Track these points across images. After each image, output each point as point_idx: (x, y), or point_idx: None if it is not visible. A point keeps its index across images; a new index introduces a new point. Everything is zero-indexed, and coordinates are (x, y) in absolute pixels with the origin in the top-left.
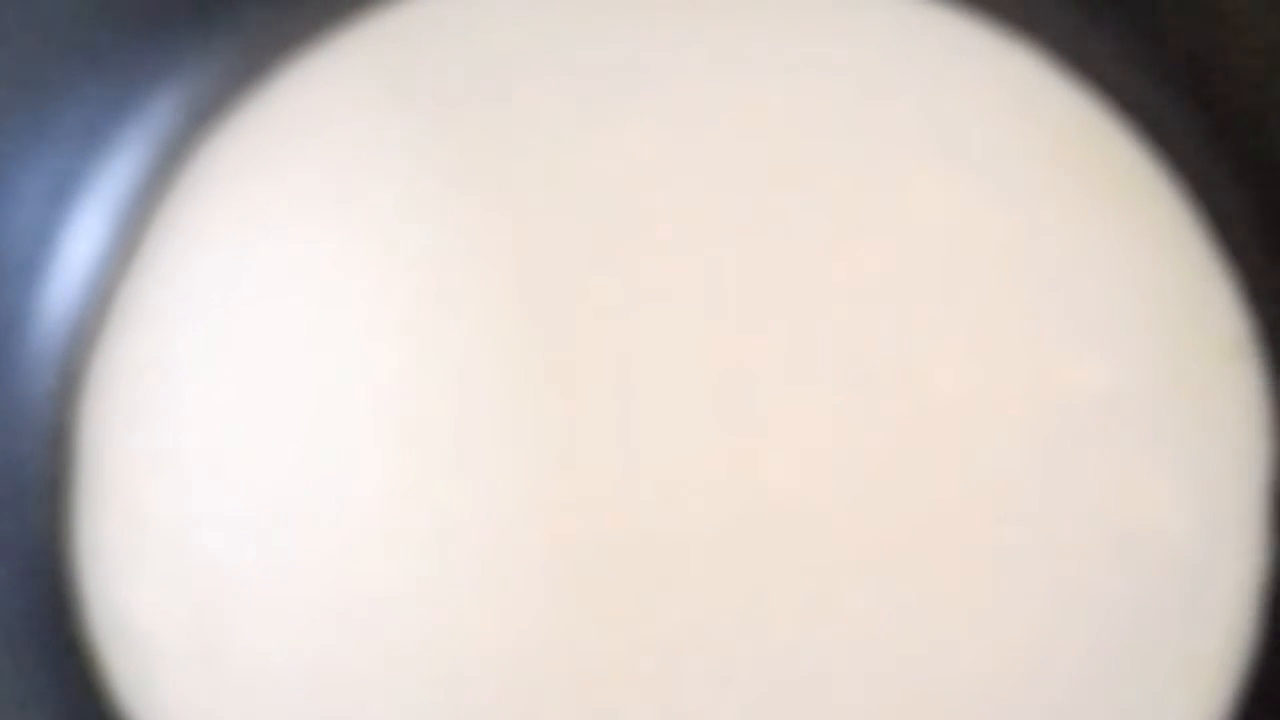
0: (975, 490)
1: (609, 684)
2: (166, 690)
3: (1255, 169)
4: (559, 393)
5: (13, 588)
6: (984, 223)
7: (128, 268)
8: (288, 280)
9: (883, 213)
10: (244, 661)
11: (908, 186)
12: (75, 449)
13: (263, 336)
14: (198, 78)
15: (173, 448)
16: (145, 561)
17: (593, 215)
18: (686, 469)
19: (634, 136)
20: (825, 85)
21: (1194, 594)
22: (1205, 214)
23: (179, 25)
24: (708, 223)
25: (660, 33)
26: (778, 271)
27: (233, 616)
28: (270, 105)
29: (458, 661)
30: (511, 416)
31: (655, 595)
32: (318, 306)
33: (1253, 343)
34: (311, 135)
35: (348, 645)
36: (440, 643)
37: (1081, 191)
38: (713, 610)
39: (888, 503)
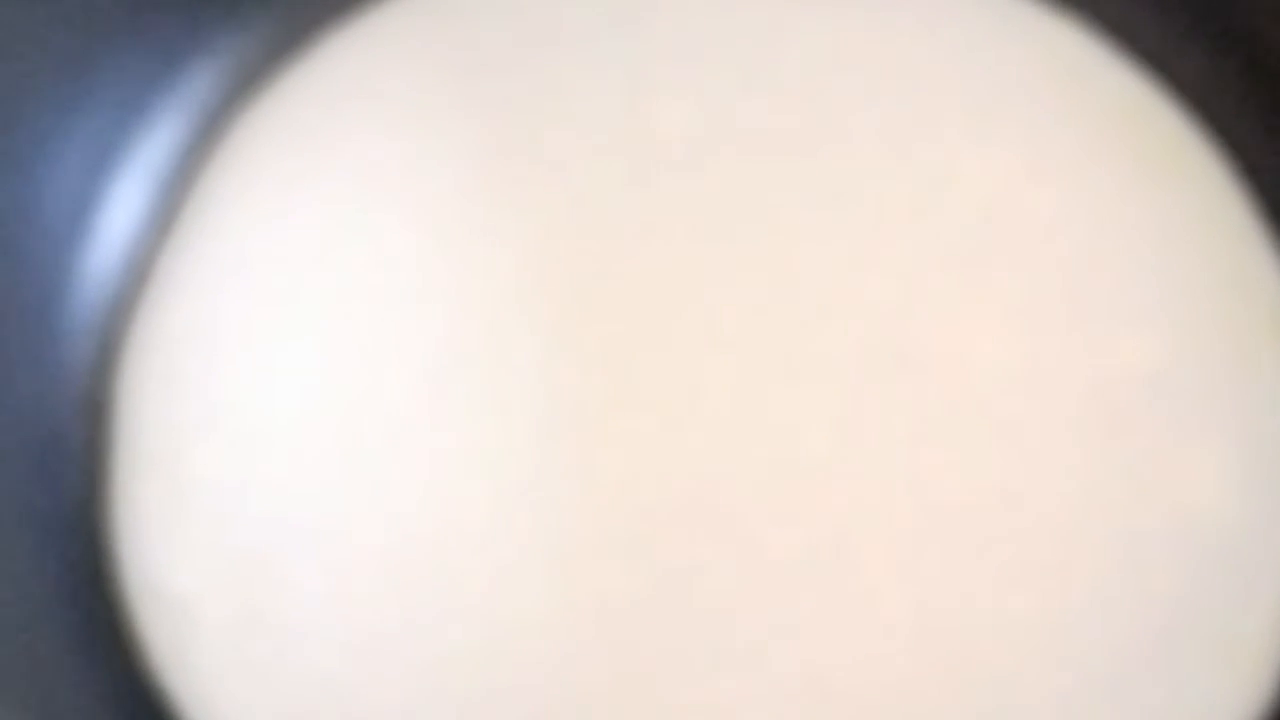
0: (1020, 468)
1: (651, 654)
2: (203, 658)
3: None
4: (599, 358)
5: (51, 555)
6: (1030, 197)
7: (167, 236)
8: (326, 248)
9: (926, 186)
10: (281, 630)
11: (952, 160)
12: (114, 417)
13: (301, 304)
14: (237, 47)
15: (211, 416)
16: (183, 529)
17: (633, 182)
18: (725, 444)
19: (675, 105)
20: (867, 57)
21: (1243, 571)
22: (1252, 189)
23: None
24: (748, 193)
25: (704, 5)
26: (818, 244)
27: (270, 585)
28: (309, 75)
29: (502, 630)
30: (551, 382)
31: (697, 574)
32: (356, 274)
33: None
34: (350, 104)
35: (387, 614)
36: (484, 611)
37: (1128, 166)
38: (754, 587)
39: (931, 481)
